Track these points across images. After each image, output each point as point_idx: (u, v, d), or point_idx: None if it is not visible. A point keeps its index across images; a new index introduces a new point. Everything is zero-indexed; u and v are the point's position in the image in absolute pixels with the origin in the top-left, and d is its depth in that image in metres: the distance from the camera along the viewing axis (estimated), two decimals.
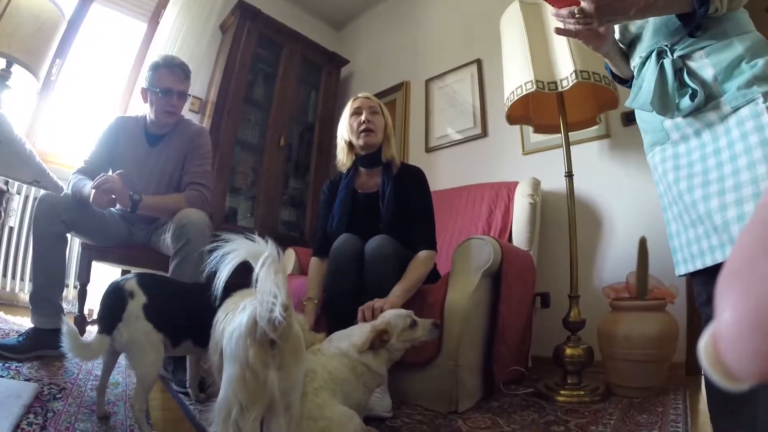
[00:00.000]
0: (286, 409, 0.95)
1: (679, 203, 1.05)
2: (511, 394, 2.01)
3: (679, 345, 2.05)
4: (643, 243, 2.05)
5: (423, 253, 1.87)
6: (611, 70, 1.32)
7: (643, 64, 1.12)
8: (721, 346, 0.23)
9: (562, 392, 1.94)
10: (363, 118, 1.99)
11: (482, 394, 1.94)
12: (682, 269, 1.06)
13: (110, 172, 2.12)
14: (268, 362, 0.93)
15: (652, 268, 2.04)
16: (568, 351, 2.03)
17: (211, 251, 0.90)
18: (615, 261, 2.50)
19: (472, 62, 3.46)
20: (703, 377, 2.03)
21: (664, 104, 1.04)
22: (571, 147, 2.25)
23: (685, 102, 1.00)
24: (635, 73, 1.17)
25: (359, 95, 2.09)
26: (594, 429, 1.53)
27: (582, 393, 1.93)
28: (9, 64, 2.13)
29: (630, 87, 1.22)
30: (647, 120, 1.17)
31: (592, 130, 2.61)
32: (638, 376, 1.95)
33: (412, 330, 1.42)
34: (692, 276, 1.05)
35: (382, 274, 1.74)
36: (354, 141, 2.04)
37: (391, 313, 1.45)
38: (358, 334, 1.38)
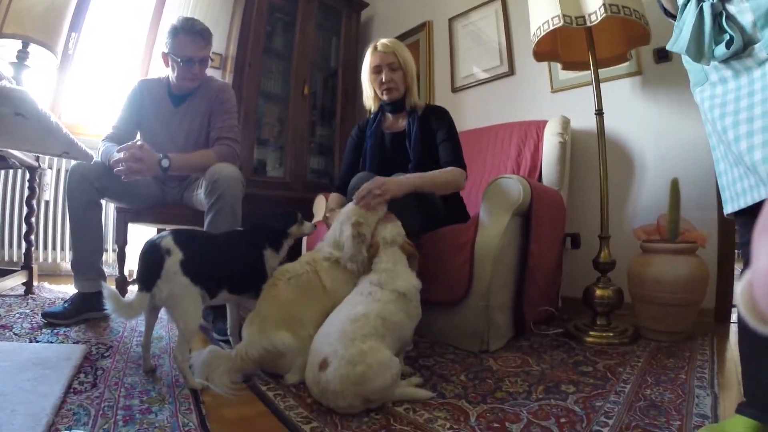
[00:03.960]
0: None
1: (724, 140, 1.01)
2: (541, 334, 2.05)
3: (709, 291, 2.02)
4: (675, 184, 1.99)
5: (450, 167, 1.91)
6: (662, 3, 1.25)
7: (686, 5, 1.06)
8: (756, 291, 0.24)
9: (591, 333, 1.97)
10: (383, 78, 2.04)
11: (513, 334, 1.97)
12: (729, 208, 1.03)
13: (138, 137, 2.16)
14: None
15: (683, 211, 1.99)
16: (598, 292, 2.04)
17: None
18: (646, 202, 2.44)
19: None
20: (733, 324, 2.01)
21: (699, 51, 0.99)
22: (601, 84, 2.17)
23: (720, 50, 0.95)
24: (678, 13, 1.11)
25: (378, 46, 2.07)
26: (622, 371, 1.55)
27: (611, 335, 1.95)
28: (25, 45, 2.16)
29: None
30: (689, 60, 1.12)
31: (623, 67, 2.48)
32: (667, 320, 1.95)
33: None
34: (736, 216, 1.03)
35: (400, 207, 1.70)
36: (378, 94, 2.12)
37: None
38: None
